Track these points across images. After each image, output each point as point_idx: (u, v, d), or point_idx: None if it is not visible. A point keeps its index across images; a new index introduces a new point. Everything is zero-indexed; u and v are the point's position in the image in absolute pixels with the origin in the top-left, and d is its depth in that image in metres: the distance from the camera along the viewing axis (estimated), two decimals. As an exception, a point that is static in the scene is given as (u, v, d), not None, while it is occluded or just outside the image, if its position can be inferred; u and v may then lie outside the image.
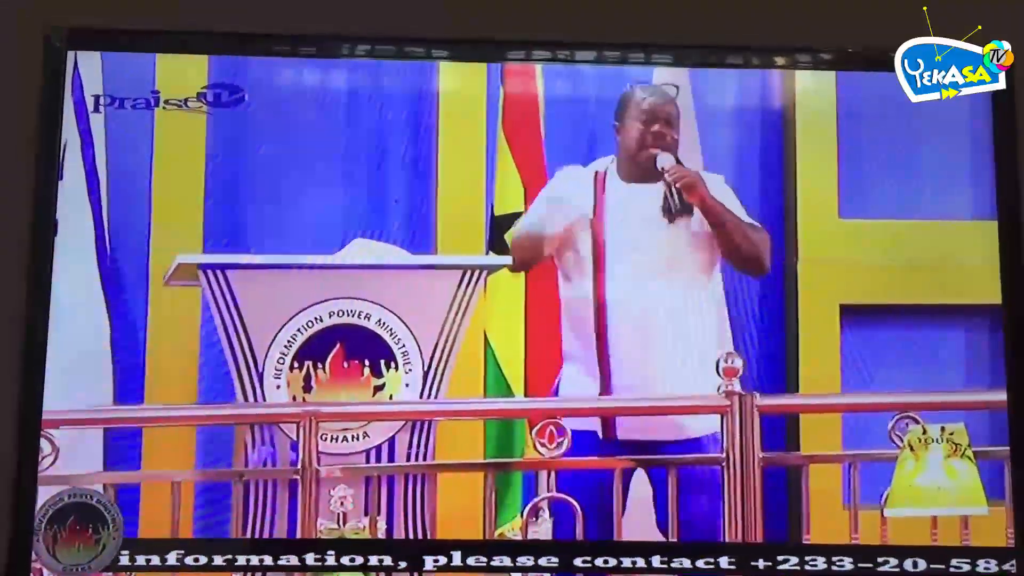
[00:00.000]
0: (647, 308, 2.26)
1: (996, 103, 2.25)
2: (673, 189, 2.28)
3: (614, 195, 2.30)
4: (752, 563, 2.15)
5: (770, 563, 2.15)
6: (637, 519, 2.21)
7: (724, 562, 2.15)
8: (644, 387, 2.25)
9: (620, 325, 2.25)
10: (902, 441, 2.20)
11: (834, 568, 2.15)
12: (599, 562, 2.14)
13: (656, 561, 2.14)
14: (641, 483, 2.23)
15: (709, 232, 2.28)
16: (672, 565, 2.14)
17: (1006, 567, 2.16)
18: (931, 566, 2.16)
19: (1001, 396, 2.21)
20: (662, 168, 2.29)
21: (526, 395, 2.24)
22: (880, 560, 2.16)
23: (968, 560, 2.16)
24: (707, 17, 2.29)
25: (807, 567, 2.15)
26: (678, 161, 2.29)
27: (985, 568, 2.15)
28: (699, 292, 2.28)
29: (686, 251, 2.29)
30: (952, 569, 2.15)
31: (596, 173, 2.31)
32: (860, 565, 2.15)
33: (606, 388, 2.25)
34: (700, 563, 2.14)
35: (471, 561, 2.13)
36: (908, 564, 2.15)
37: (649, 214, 2.29)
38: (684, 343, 2.26)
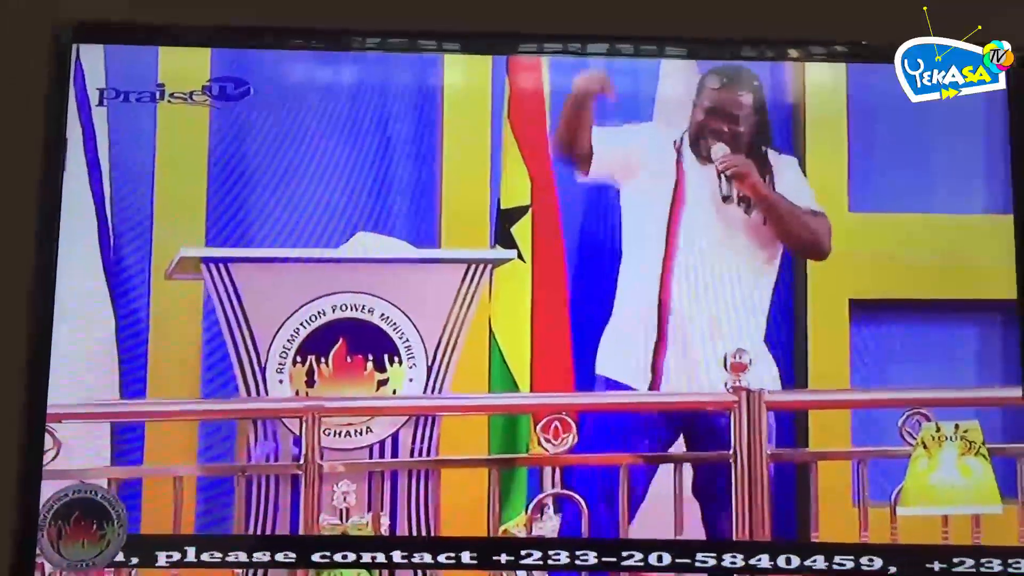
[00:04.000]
0: (710, 286, 2.25)
1: (1011, 95, 2.22)
2: (723, 177, 2.26)
3: (691, 168, 2.29)
4: (759, 561, 2.13)
5: (776, 561, 2.13)
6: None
7: (733, 560, 2.13)
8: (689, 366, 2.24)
9: (682, 299, 2.25)
10: (913, 438, 2.18)
11: (835, 567, 2.13)
12: (603, 559, 2.13)
13: (659, 559, 2.13)
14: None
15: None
16: (681, 563, 2.13)
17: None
18: (942, 565, 2.13)
19: (1015, 393, 2.19)
20: (715, 157, 2.27)
21: (532, 390, 2.23)
22: (889, 560, 2.14)
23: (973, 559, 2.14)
24: (718, 9, 2.27)
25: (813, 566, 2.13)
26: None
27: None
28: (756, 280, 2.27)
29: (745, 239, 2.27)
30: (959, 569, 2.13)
31: (674, 141, 2.29)
32: (866, 565, 2.13)
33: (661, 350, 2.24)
34: (708, 561, 2.13)
35: (475, 558, 2.11)
36: (919, 563, 2.13)
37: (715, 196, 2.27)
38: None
